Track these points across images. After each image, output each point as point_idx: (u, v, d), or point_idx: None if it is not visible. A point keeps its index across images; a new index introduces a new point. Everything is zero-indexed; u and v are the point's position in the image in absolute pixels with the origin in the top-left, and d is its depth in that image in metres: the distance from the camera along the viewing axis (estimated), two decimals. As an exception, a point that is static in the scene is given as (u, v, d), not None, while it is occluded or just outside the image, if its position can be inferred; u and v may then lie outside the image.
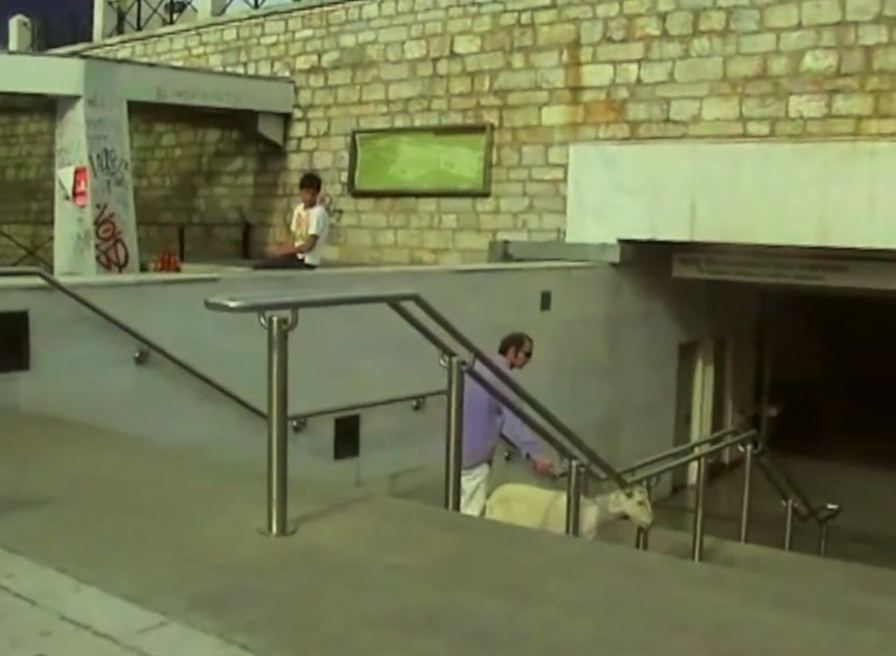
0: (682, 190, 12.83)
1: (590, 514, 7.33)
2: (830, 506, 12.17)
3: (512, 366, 8.49)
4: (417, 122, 16.19)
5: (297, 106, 17.76)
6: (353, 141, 16.89)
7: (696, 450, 9.42)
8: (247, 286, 8.67)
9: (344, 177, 17.06)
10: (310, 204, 10.81)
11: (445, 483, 5.48)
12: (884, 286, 12.94)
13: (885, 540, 13.47)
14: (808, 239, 12.03)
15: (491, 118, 15.33)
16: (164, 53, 20.12)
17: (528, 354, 8.79)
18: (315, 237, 10.58)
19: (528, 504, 7.57)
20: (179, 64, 19.12)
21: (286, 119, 17.91)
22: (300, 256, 10.54)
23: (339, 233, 16.49)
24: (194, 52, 19.66)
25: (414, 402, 9.73)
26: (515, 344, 8.75)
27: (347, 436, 9.36)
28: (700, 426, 16.60)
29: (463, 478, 6.15)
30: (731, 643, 3.24)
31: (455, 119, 15.78)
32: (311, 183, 11.03)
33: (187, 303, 7.30)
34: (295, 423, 8.39)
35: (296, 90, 17.73)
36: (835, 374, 21.79)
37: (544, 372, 11.66)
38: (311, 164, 17.35)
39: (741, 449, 9.66)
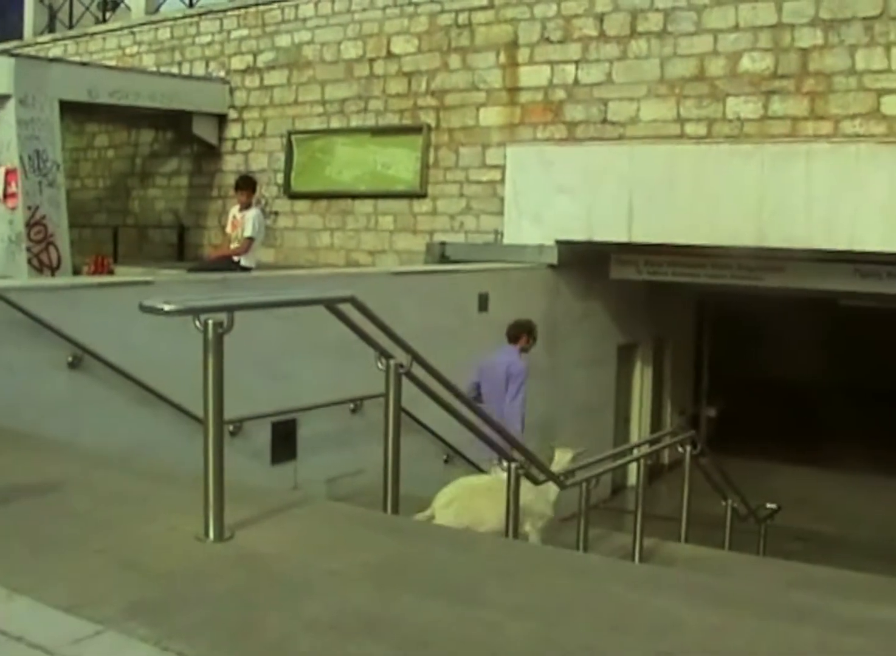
0: (620, 191, 12.92)
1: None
2: (769, 506, 12.31)
3: (522, 350, 9.29)
4: (354, 123, 16.15)
5: (232, 106, 17.64)
6: (289, 142, 16.81)
7: (636, 451, 9.47)
8: (182, 289, 8.58)
9: (280, 178, 16.97)
10: (245, 206, 10.73)
11: (384, 486, 5.47)
12: (821, 286, 13.14)
13: (822, 539, 13.68)
14: (746, 239, 12.18)
15: (428, 119, 15.34)
16: (97, 52, 19.86)
17: (535, 338, 9.53)
18: (251, 239, 10.51)
19: (490, 495, 7.24)
20: (112, 63, 18.88)
21: (221, 120, 17.78)
22: (236, 259, 10.46)
23: (275, 235, 16.40)
24: (128, 51, 19.44)
25: (351, 405, 9.71)
26: (527, 330, 9.39)
27: (284, 440, 9.30)
28: (639, 427, 16.73)
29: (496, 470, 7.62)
30: (673, 642, 3.27)
31: (392, 120, 15.77)
32: (247, 185, 10.95)
33: (121, 306, 7.21)
34: (231, 427, 8.34)
35: (231, 91, 17.61)
36: (775, 374, 22.11)
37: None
38: (246, 165, 17.24)
39: (680, 449, 9.73)
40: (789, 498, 14.01)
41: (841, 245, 11.68)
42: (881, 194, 11.38)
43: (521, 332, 9.33)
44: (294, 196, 16.83)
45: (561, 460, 7.99)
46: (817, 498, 15.89)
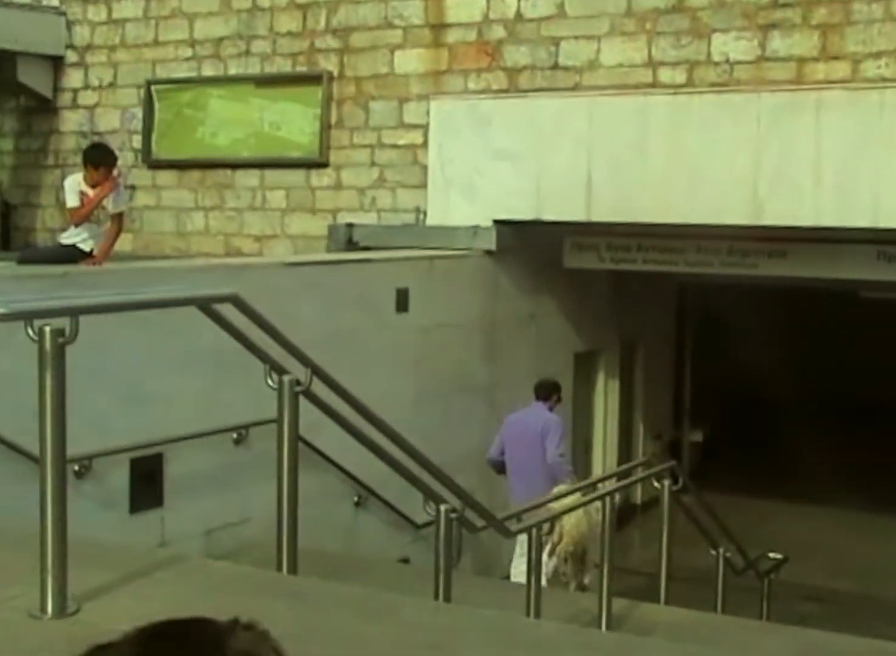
0: (576, 156, 12.99)
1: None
2: (773, 556, 12.45)
3: (550, 409, 11.83)
4: (233, 71, 16.06)
5: (70, 47, 17.43)
6: (149, 94, 16.66)
7: (600, 488, 9.51)
8: (10, 286, 8.48)
9: (137, 142, 16.81)
10: (96, 184, 10.58)
11: (278, 538, 5.45)
12: (835, 274, 13.28)
13: (842, 598, 13.85)
14: (738, 217, 12.31)
15: (329, 65, 15.30)
16: None
17: (560, 398, 12.20)
18: (122, 216, 10.51)
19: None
20: None
21: (56, 64, 17.54)
22: (84, 247, 10.28)
23: (133, 216, 16.26)
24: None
25: (235, 435, 9.66)
26: (557, 390, 12.04)
27: (147, 482, 9.22)
28: (604, 456, 16.84)
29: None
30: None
31: (282, 66, 15.70)
32: (104, 160, 10.72)
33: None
34: (77, 467, 8.23)
35: (69, 25, 17.41)
36: (777, 389, 22.36)
37: (403, 393, 11.72)
38: (91, 124, 17.06)
39: (657, 484, 9.79)
40: (798, 545, 14.19)
41: (861, 221, 11.84)
42: (911, 155, 11.55)
43: (551, 392, 11.94)
44: (156, 165, 16.69)
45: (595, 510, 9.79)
46: (833, 545, 16.10)
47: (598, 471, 16.03)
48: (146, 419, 9.00)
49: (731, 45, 12.84)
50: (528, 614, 7.64)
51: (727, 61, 12.87)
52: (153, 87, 16.66)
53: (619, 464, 16.03)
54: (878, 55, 12.14)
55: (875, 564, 15.23)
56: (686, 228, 12.94)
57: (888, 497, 16.32)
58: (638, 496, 16.65)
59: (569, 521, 9.48)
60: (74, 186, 10.64)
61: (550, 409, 11.83)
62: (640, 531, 16.02)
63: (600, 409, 16.98)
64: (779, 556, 12.49)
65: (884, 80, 12.03)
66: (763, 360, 22.09)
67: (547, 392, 11.90)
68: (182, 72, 16.48)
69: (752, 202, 12.16)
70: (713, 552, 10.84)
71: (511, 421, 11.91)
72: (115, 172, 10.74)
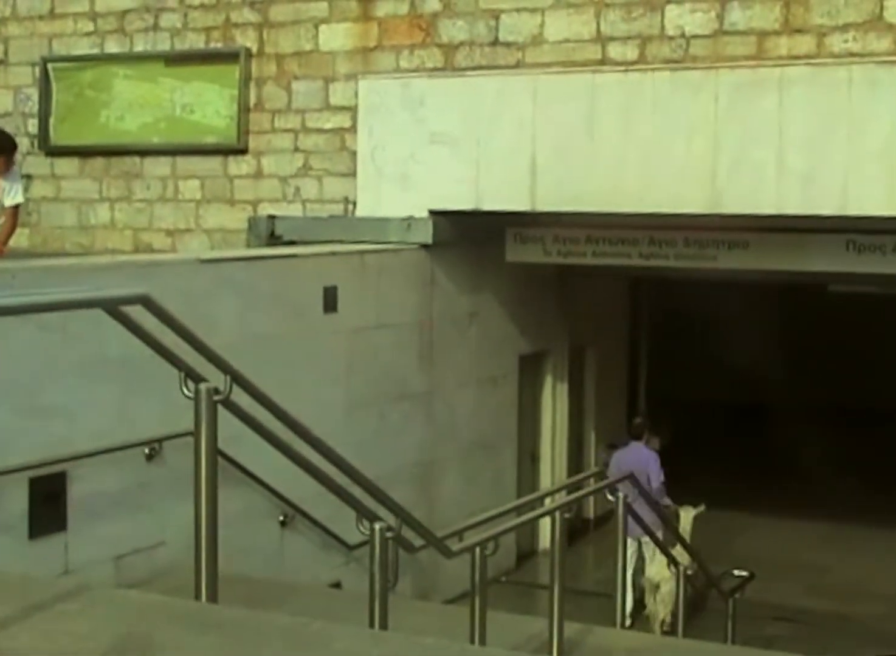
0: (519, 141, 13.03)
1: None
2: (738, 573, 12.54)
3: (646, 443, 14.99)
4: (140, 47, 15.96)
5: (-43, 22, 17.31)
6: (45, 73, 16.54)
7: (549, 502, 9.54)
8: None
9: (33, 126, 16.69)
10: None
11: (196, 563, 5.42)
12: (800, 266, 13.38)
13: (814, 618, 13.93)
14: (695, 205, 12.38)
15: (247, 41, 15.25)
16: None
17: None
18: (17, 209, 10.45)
19: None
20: None
21: (-59, 41, 17.43)
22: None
23: (29, 209, 16.13)
24: None
25: (147, 450, 9.60)
26: (648, 427, 15.31)
27: (48, 504, 9.14)
28: (553, 468, 16.88)
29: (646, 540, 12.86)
30: None
31: (195, 42, 15.63)
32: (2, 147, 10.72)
33: None
34: (-31, 488, 8.19)
35: (-47, -3, 17.27)
36: (740, 391, 22.51)
37: (333, 400, 11.71)
38: (-19, 108, 16.94)
39: (611, 497, 9.83)
40: (766, 561, 14.31)
41: (827, 209, 11.93)
42: (882, 136, 11.64)
43: (643, 431, 15.06)
44: (55, 152, 16.58)
45: (685, 520, 13.97)
46: (805, 560, 16.22)
47: (546, 483, 16.09)
48: (46, 434, 8.92)
49: (687, 18, 12.89)
50: (472, 641, 7.65)
51: (682, 35, 12.92)
52: (50, 66, 16.53)
53: (570, 475, 16.10)
54: (844, 28, 12.22)
55: (856, 581, 15.36)
56: (639, 218, 13.00)
57: (865, 508, 16.47)
58: (591, 510, 16.71)
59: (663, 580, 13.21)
60: None
61: (646, 443, 14.93)
62: (594, 548, 16.09)
63: (548, 417, 17.01)
64: (744, 573, 12.57)
65: (851, 54, 12.10)
66: (727, 361, 22.27)
67: (640, 431, 15.06)
68: (83, 48, 16.36)
69: (710, 189, 12.24)
70: (672, 569, 10.91)
71: (617, 462, 14.43)
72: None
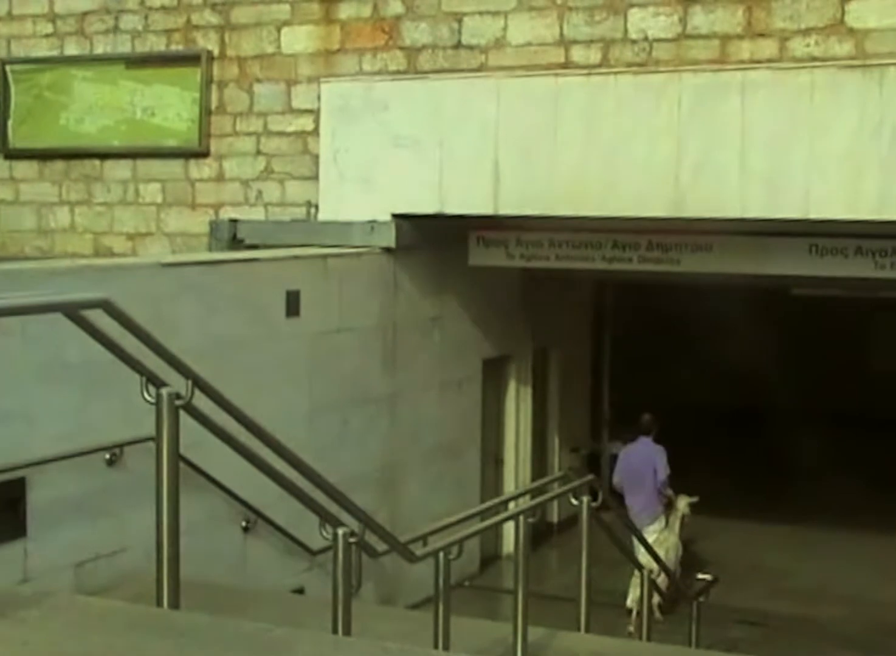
0: (483, 144, 13.03)
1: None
2: (701, 577, 12.56)
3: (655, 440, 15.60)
4: (100, 49, 15.91)
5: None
6: (3, 75, 16.48)
7: (512, 506, 9.54)
8: None
9: (-8, 129, 16.64)
10: None
11: (157, 569, 5.40)
12: (762, 269, 13.42)
13: (776, 621, 13.99)
14: (658, 208, 12.40)
15: (208, 43, 15.21)
16: None
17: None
18: None
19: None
20: None
21: None
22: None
23: (-13, 212, 16.10)
24: None
25: (107, 455, 9.55)
26: (658, 423, 15.64)
27: (7, 510, 9.10)
28: (516, 471, 16.88)
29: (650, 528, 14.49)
30: None
31: (155, 44, 15.58)
32: None
33: None
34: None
35: None
36: (705, 395, 22.54)
37: (296, 405, 11.69)
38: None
39: (575, 501, 9.83)
40: (732, 565, 14.34)
41: (791, 212, 11.98)
42: (845, 140, 11.69)
43: (651, 426, 15.54)
44: (13, 155, 16.50)
45: (681, 503, 15.51)
46: (769, 564, 16.28)
47: (510, 487, 16.10)
48: (5, 439, 8.86)
49: (650, 22, 12.92)
50: (435, 646, 7.65)
51: (645, 39, 12.95)
52: (8, 68, 16.46)
53: (534, 479, 16.11)
54: (806, 32, 12.26)
55: (818, 585, 15.43)
56: (602, 221, 13.02)
57: (833, 511, 16.54)
58: (555, 514, 16.72)
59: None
60: None
61: (655, 440, 15.54)
62: (558, 552, 16.09)
63: (511, 420, 17.02)
64: (708, 577, 12.60)
65: (813, 59, 12.14)
66: (691, 365, 22.31)
67: (649, 427, 15.58)
68: (41, 50, 16.29)
69: (673, 192, 12.26)
70: (636, 573, 10.92)
71: (626, 455, 15.76)
72: None
